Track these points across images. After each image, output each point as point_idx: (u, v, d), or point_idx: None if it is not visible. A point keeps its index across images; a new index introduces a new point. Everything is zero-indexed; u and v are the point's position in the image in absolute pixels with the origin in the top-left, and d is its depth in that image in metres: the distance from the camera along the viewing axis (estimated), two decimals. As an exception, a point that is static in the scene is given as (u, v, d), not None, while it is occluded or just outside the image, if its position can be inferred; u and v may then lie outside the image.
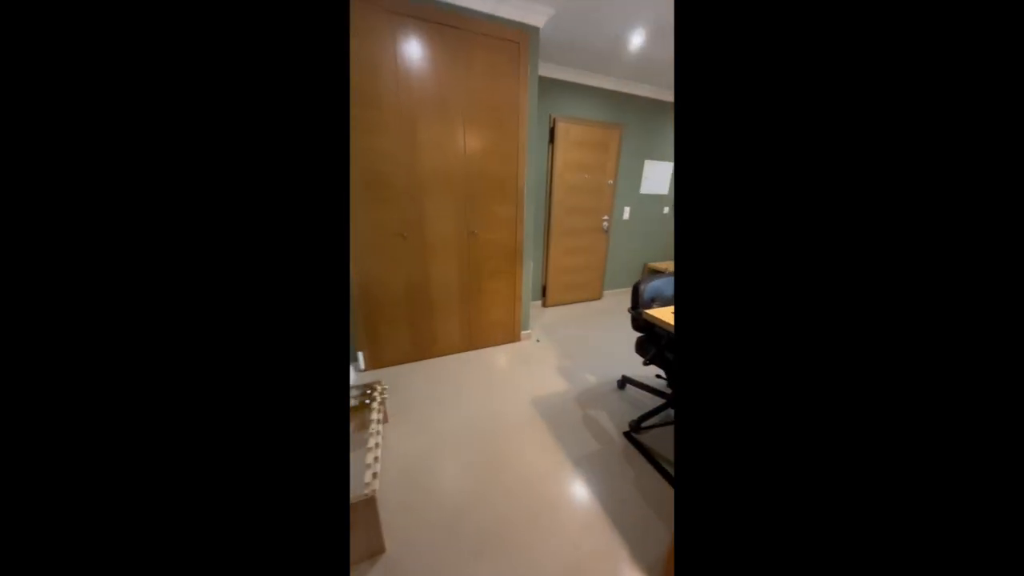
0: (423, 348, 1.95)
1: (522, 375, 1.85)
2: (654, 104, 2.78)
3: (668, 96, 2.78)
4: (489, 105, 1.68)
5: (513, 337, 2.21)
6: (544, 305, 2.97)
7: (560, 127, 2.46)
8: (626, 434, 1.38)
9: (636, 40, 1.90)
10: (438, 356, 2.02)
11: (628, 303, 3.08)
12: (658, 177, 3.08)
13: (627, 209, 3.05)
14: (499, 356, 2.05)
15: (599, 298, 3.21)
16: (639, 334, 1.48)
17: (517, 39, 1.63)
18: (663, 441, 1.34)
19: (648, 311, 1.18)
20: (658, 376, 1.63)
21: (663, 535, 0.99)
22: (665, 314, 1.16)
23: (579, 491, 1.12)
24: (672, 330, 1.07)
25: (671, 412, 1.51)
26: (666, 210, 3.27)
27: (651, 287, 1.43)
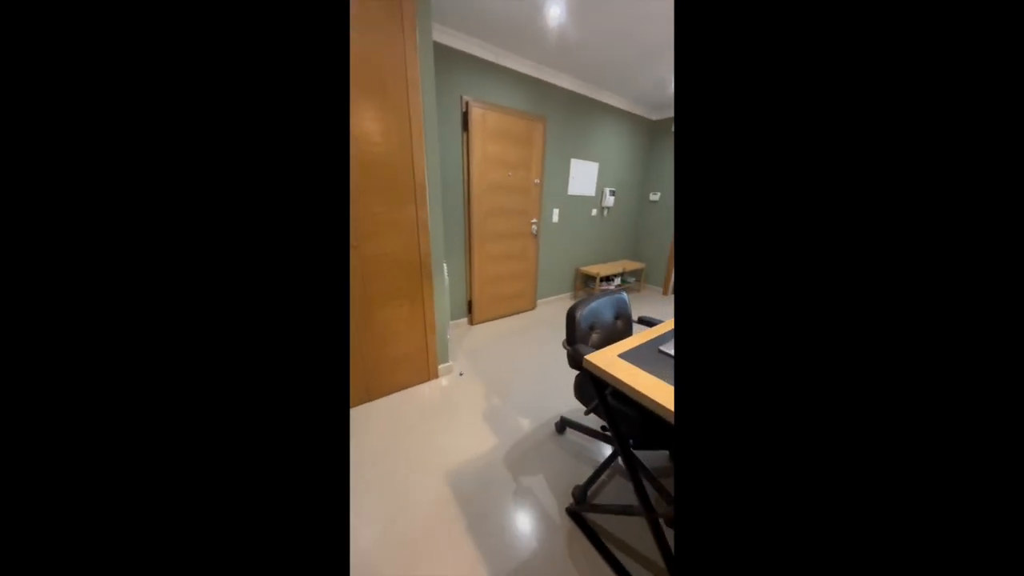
0: (288, 413, 1.34)
1: (437, 432, 1.39)
2: (577, 99, 2.59)
3: (591, 92, 2.62)
4: (359, 66, 1.18)
5: (427, 375, 1.74)
6: (471, 323, 2.55)
7: (475, 112, 2.06)
8: (569, 511, 1.04)
9: (553, 11, 1.61)
10: (315, 420, 1.43)
11: (564, 310, 2.88)
12: (585, 178, 2.93)
13: (556, 211, 2.82)
14: (407, 406, 1.56)
15: (533, 308, 2.93)
16: (576, 371, 1.16)
17: (396, -26, 1.17)
18: (615, 516, 1.04)
19: (589, 357, 0.84)
20: (602, 428, 1.34)
21: None
22: (608, 360, 0.84)
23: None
24: (616, 383, 0.75)
25: (620, 463, 1.23)
26: (593, 212, 3.15)
27: (588, 312, 1.12)
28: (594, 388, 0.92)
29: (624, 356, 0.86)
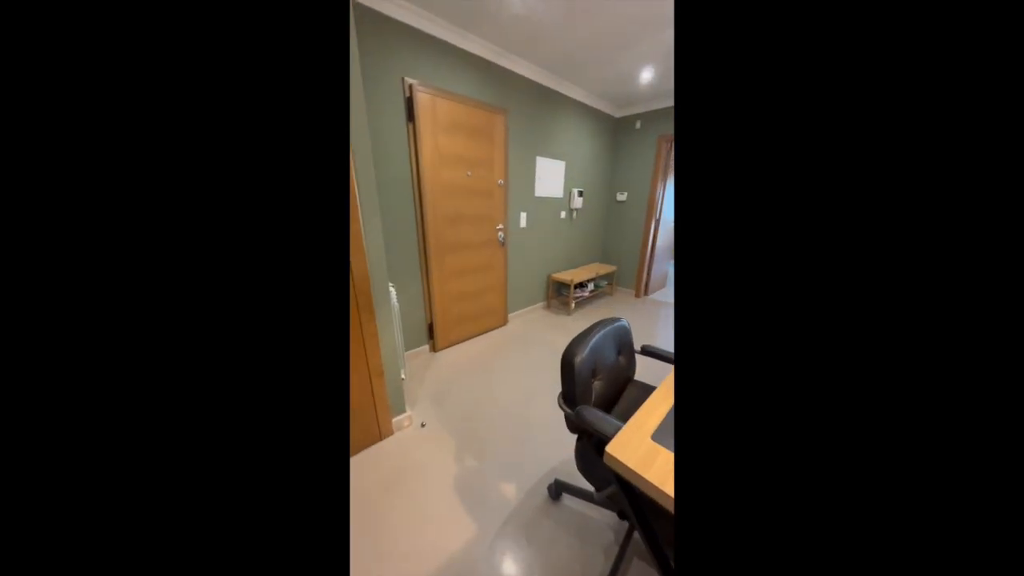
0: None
1: (391, 525, 1.01)
2: (540, 90, 2.34)
3: (554, 83, 2.38)
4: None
5: (376, 434, 1.34)
6: (434, 349, 2.16)
7: (422, 99, 1.70)
8: (585, 642, 0.74)
9: (510, -27, 1.31)
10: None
11: (540, 324, 2.59)
12: (552, 177, 2.69)
13: (523, 215, 2.54)
14: (352, 482, 1.15)
15: (504, 324, 2.61)
16: (575, 435, 0.86)
17: None
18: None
19: (612, 448, 0.54)
20: (621, 516, 1.03)
21: None
22: (641, 453, 0.55)
23: None
24: (662, 498, 0.46)
25: (636, 536, 0.96)
26: (563, 215, 2.93)
27: (588, 355, 0.82)
28: (612, 472, 0.62)
29: (658, 437, 0.57)
